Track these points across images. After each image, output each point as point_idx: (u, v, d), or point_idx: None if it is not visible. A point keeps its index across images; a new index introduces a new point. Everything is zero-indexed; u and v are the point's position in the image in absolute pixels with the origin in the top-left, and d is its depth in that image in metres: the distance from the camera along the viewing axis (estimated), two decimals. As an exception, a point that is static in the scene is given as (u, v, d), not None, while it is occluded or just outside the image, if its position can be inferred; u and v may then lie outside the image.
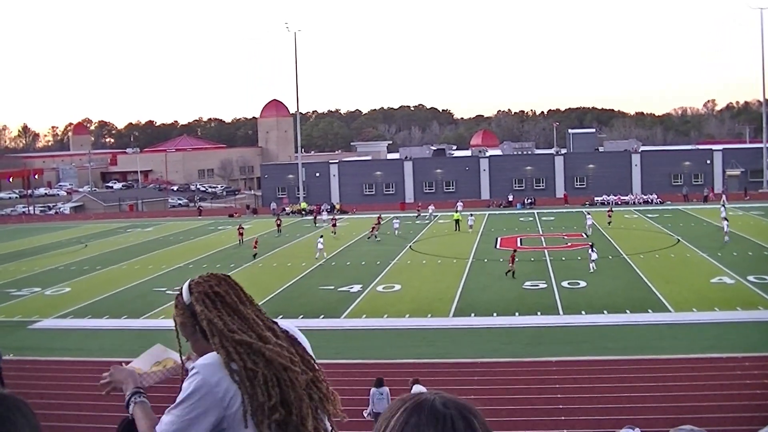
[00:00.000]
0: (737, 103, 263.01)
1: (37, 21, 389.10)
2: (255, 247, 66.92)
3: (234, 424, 4.38)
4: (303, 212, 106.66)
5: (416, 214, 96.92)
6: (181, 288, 4.83)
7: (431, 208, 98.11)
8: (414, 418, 2.53)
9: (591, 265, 53.73)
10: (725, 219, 68.60)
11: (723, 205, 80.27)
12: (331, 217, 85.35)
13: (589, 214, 78.47)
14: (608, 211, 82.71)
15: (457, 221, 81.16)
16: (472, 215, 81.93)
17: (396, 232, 74.47)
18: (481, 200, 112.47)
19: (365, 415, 27.38)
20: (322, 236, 69.17)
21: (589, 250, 55.45)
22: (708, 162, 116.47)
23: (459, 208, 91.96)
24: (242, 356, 4.42)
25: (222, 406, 4.35)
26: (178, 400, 4.43)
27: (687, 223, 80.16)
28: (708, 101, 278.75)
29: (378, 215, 79.60)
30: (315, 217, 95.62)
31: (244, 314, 4.64)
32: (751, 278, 49.44)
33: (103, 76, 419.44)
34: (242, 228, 78.23)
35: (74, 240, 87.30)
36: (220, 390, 4.36)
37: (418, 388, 26.63)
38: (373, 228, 74.34)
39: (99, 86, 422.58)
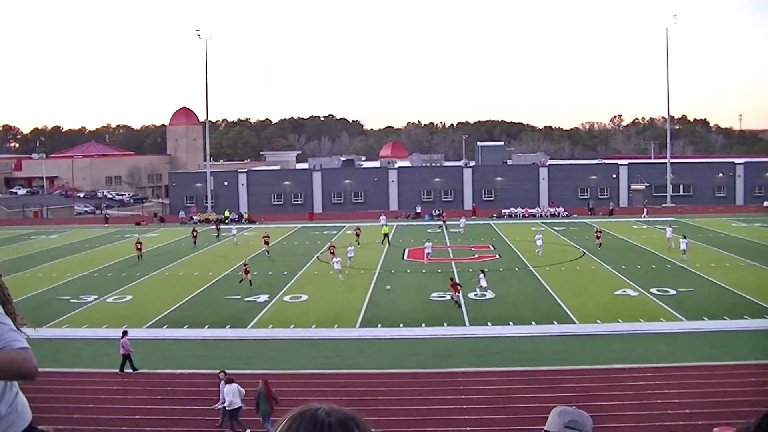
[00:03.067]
0: (643, 119, 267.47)
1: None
2: (246, 273, 57.23)
3: None
4: (226, 221, 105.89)
5: (441, 225, 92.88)
6: None
7: (463, 219, 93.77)
8: (295, 425, 2.65)
9: (483, 292, 50.99)
10: (684, 237, 65.97)
11: (670, 226, 77.35)
12: (264, 235, 77.77)
13: (539, 234, 73.71)
14: (596, 231, 74.88)
15: (386, 235, 79.32)
16: (430, 243, 70.76)
17: (349, 261, 64.18)
18: (390, 211, 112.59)
19: (215, 407, 27.98)
20: (351, 245, 67.12)
21: (480, 275, 52.57)
22: (614, 176, 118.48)
23: (382, 221, 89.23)
24: None
25: None
26: None
27: (592, 236, 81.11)
28: (615, 117, 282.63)
29: (356, 227, 75.84)
30: (218, 230, 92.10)
31: None
32: (653, 290, 50.39)
33: (8, 78, 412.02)
34: (140, 243, 73.80)
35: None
36: None
37: (231, 387, 27.56)
38: (332, 252, 64.40)
39: (3, 89, 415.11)
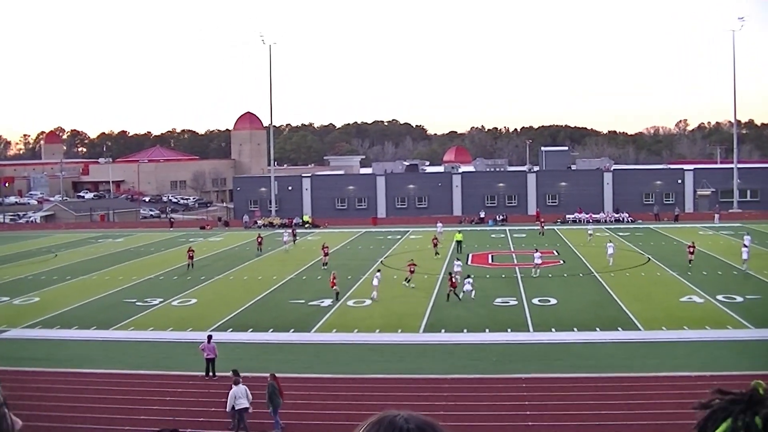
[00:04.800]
0: (709, 123, 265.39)
1: (9, 28, 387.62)
2: (333, 285, 53.70)
3: None
4: (304, 225, 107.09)
5: (539, 229, 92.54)
6: None
7: (591, 226, 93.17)
8: (374, 431, 2.66)
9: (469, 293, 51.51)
10: (744, 246, 63.55)
11: (747, 234, 73.13)
12: (323, 245, 71.80)
13: (611, 242, 70.52)
14: (689, 246, 66.39)
15: (458, 242, 76.93)
16: (539, 252, 69.70)
17: (471, 293, 52.15)
18: (453, 216, 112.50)
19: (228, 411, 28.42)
20: (379, 270, 59.57)
21: (467, 278, 53.36)
22: (679, 182, 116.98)
23: (439, 228, 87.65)
24: None
25: None
26: None
27: (658, 242, 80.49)
28: (680, 121, 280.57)
29: (410, 261, 61.39)
30: (294, 234, 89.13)
31: None
32: (720, 297, 49.73)
33: (77, 85, 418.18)
34: (192, 251, 71.49)
35: (44, 249, 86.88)
36: None
37: (239, 389, 28.07)
38: (411, 271, 58.92)
39: (72, 95, 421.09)
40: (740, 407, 2.52)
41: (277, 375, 29.61)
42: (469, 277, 53.47)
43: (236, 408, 28.04)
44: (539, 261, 62.60)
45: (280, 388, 28.70)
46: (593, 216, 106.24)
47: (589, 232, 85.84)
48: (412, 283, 57.84)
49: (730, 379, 32.34)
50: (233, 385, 28.42)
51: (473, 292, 51.30)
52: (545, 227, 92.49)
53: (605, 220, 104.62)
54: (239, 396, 28.02)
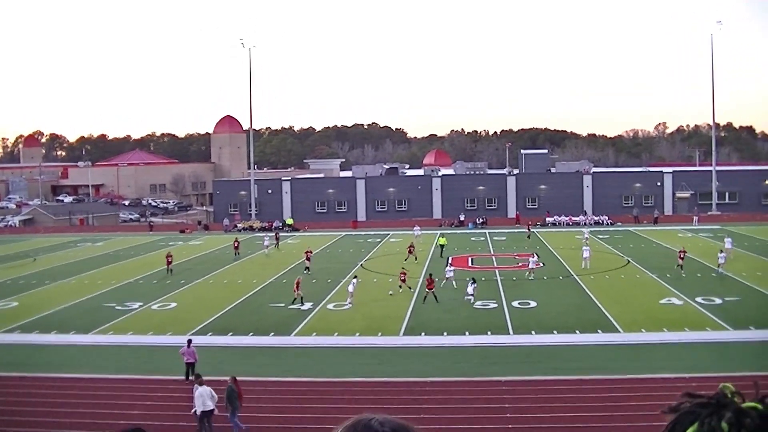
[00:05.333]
0: (688, 126, 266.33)
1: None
2: (297, 289, 53.03)
3: None
4: (288, 228, 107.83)
5: (527, 233, 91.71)
6: None
7: (586, 230, 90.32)
8: None
9: (468, 297, 51.48)
10: (721, 252, 63.12)
11: (728, 236, 74.61)
12: (306, 249, 71.92)
13: (587, 246, 69.69)
14: (680, 252, 64.34)
15: (442, 246, 77.09)
16: (533, 258, 65.64)
17: (453, 282, 56.83)
18: (433, 219, 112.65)
19: (193, 413, 28.42)
20: (356, 277, 58.49)
21: (469, 281, 53.07)
22: (658, 184, 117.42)
23: (417, 232, 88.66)
24: None
25: None
26: None
27: (637, 244, 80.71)
28: (659, 124, 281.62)
29: (402, 269, 59.98)
30: (277, 238, 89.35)
31: None
32: (699, 299, 49.90)
33: (56, 88, 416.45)
34: (171, 256, 70.22)
35: (23, 253, 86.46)
36: None
37: (204, 390, 28.09)
38: (402, 279, 57.10)
39: (51, 98, 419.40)
40: (707, 411, 2.53)
41: (254, 379, 29.53)
42: (474, 282, 53.05)
43: (202, 410, 28.02)
44: (533, 266, 63.02)
45: (240, 391, 28.66)
46: (573, 218, 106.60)
47: (585, 235, 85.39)
48: (391, 290, 57.13)
49: (708, 380, 32.43)
50: (198, 386, 28.41)
51: (469, 298, 51.31)
52: (531, 229, 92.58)
53: (584, 223, 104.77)
54: (205, 397, 28.02)
